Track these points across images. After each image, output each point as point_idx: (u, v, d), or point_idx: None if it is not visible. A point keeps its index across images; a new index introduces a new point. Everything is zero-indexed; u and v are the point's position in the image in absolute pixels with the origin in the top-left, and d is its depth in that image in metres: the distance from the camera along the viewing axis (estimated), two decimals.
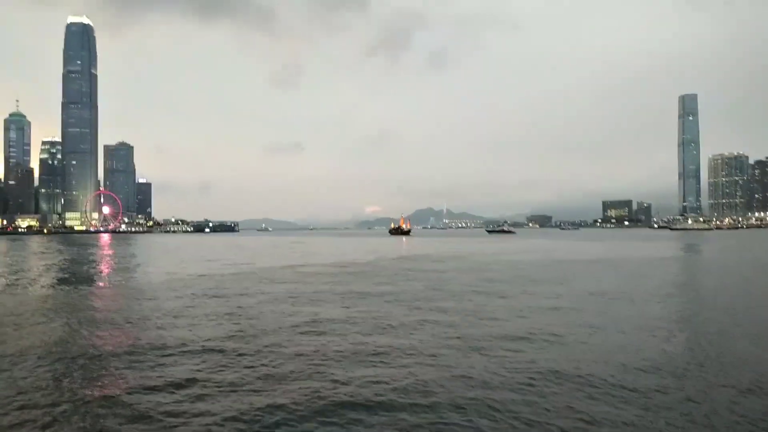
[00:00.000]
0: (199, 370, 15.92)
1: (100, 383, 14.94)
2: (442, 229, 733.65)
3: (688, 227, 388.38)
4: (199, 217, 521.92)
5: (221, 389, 14.18)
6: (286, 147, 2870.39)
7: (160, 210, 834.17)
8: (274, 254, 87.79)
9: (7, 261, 73.27)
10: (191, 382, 14.85)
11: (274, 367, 16.23)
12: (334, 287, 37.39)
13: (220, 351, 18.30)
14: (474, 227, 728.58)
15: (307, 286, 38.03)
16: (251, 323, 23.54)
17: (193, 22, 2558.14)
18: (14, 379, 15.22)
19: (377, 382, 14.61)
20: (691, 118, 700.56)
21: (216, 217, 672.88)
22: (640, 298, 30.61)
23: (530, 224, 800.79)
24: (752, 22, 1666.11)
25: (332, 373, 15.45)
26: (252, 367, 16.25)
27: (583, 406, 12.69)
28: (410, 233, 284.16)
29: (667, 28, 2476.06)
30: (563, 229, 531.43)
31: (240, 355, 17.74)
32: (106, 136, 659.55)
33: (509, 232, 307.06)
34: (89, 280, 45.57)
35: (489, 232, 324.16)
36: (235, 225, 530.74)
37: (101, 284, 42.65)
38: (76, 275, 50.70)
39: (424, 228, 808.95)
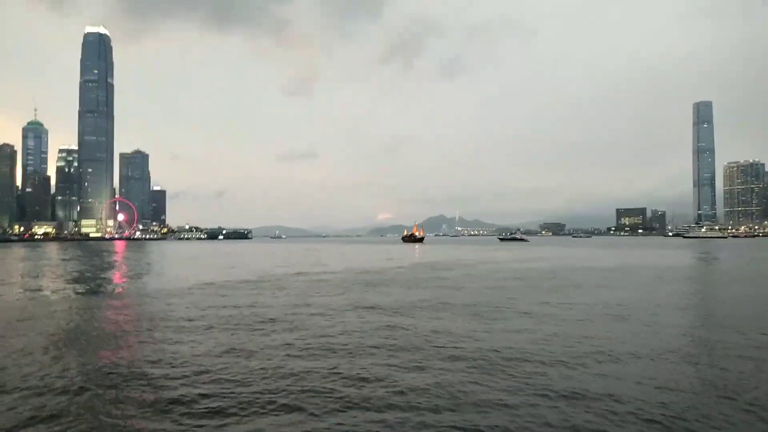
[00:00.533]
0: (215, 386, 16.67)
1: (106, 394, 15.76)
2: (454, 236, 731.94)
3: (701, 235, 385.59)
4: (212, 225, 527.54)
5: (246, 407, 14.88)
6: (299, 154, 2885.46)
7: (174, 217, 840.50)
8: (287, 262, 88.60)
9: (24, 267, 74.83)
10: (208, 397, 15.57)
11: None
12: (342, 299, 38.06)
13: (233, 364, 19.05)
14: (486, 235, 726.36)
15: (316, 298, 38.73)
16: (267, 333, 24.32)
17: (209, 32, 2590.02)
18: (18, 388, 16.01)
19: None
20: (705, 125, 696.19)
21: (229, 224, 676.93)
22: (637, 310, 31.06)
23: (543, 232, 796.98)
24: (765, 30, 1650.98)
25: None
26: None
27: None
28: (423, 240, 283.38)
29: (682, 36, 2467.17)
30: (575, 237, 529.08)
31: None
32: (122, 144, 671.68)
33: (522, 239, 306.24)
34: (103, 288, 46.66)
35: (501, 239, 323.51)
36: (248, 232, 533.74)
37: (114, 292, 43.68)
38: (90, 282, 51.84)
39: (436, 235, 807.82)
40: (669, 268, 67.77)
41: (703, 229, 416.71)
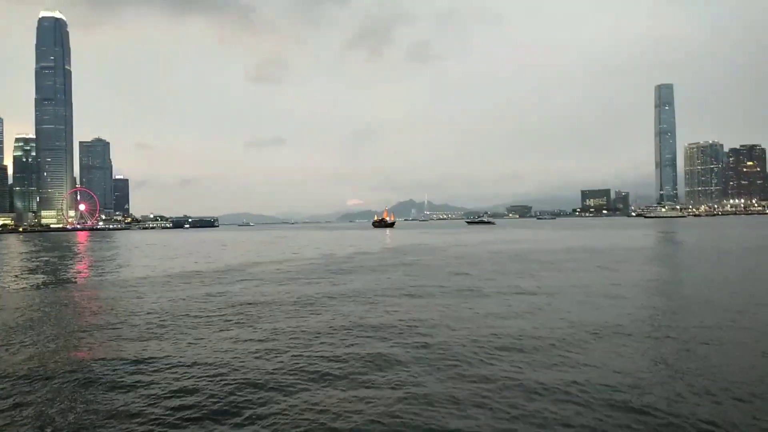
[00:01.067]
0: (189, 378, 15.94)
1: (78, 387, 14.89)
2: (423, 221, 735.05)
3: (661, 215, 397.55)
4: (178, 213, 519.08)
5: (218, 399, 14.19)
6: (267, 142, 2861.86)
7: (139, 206, 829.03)
8: (258, 250, 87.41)
9: None
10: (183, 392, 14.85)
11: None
12: (310, 287, 37.43)
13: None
14: (455, 218, 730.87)
15: (289, 286, 38.02)
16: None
17: (171, 18, 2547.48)
18: None
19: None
20: (667, 108, 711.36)
21: (196, 212, 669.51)
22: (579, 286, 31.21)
23: (510, 215, 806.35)
24: (726, 15, 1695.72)
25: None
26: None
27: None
28: (394, 225, 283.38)
29: (644, 21, 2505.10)
30: (539, 218, 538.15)
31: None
32: (83, 133, 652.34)
33: (489, 222, 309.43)
34: (65, 280, 45.05)
35: (468, 223, 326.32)
36: (214, 220, 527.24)
37: (77, 284, 42.18)
38: (52, 275, 50.06)
39: (405, 220, 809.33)
40: (620, 247, 68.83)
41: (663, 209, 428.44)
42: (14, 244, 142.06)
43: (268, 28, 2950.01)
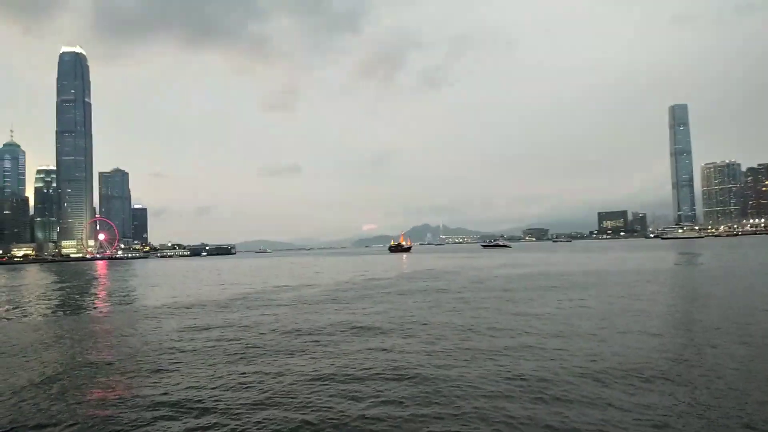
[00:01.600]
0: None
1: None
2: (439, 245, 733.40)
3: (678, 236, 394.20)
4: (196, 241, 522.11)
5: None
6: (283, 170, 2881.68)
7: (157, 235, 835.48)
8: (279, 275, 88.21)
9: (3, 291, 73.51)
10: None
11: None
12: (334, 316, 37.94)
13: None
14: (470, 242, 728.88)
15: (309, 314, 38.58)
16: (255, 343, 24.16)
17: (186, 50, 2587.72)
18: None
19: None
20: (682, 128, 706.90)
21: (213, 240, 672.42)
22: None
23: (527, 238, 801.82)
24: (739, 35, 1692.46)
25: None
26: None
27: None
28: (410, 250, 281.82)
29: (657, 42, 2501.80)
30: (555, 241, 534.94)
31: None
32: (102, 164, 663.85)
33: (504, 246, 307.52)
34: (85, 309, 46.03)
35: (484, 246, 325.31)
36: (232, 248, 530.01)
37: (97, 313, 43.11)
38: (72, 304, 51.12)
39: (421, 244, 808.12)
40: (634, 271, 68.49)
41: (680, 230, 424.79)
42: (34, 274, 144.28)
43: (281, 58, 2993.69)
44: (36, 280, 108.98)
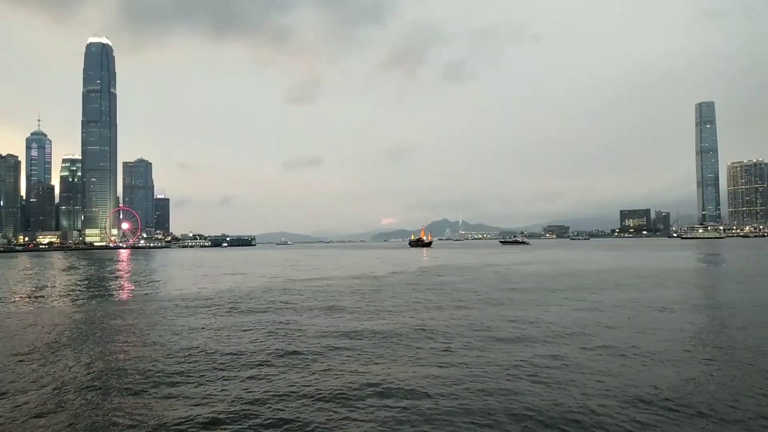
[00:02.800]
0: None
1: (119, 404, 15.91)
2: (458, 240, 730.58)
3: (698, 236, 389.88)
4: (217, 232, 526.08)
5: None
6: (304, 162, 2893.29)
7: (178, 225, 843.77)
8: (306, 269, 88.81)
9: (30, 276, 75.11)
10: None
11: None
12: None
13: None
14: (490, 238, 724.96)
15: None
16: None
17: (210, 41, 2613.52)
18: (25, 401, 16.21)
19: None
20: (708, 126, 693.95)
21: (234, 231, 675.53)
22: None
23: (547, 235, 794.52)
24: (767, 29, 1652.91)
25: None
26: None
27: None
28: (431, 245, 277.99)
29: (684, 38, 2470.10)
30: (573, 239, 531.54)
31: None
32: (126, 154, 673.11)
33: (523, 243, 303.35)
34: (110, 295, 46.89)
35: (502, 243, 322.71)
36: (252, 239, 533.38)
37: (122, 299, 43.90)
38: (98, 290, 52.10)
39: (440, 239, 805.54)
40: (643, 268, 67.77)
41: (700, 230, 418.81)
42: (59, 260, 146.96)
43: (304, 50, 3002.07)
44: (60, 266, 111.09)
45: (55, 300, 42.63)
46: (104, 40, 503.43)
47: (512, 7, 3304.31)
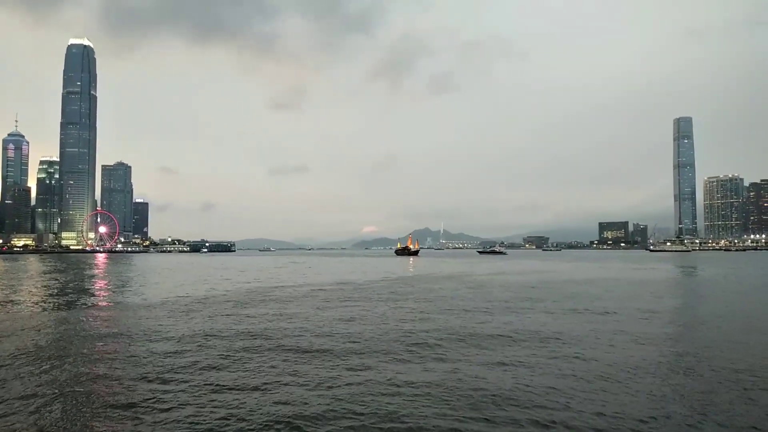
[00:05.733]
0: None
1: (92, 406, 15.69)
2: (438, 249, 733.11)
3: (666, 249, 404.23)
4: (198, 238, 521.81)
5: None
6: (289, 169, 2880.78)
7: (159, 230, 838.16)
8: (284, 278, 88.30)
9: (2, 280, 73.73)
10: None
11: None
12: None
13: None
14: (470, 248, 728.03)
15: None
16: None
17: (193, 46, 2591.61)
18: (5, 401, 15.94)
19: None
20: (686, 141, 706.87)
21: (215, 237, 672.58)
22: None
23: (527, 245, 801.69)
24: (748, 49, 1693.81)
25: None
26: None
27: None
28: (418, 254, 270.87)
29: (664, 54, 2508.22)
30: (545, 250, 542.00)
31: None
32: (106, 157, 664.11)
33: (500, 252, 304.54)
34: (82, 301, 46.21)
35: (480, 252, 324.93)
36: (231, 245, 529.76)
37: (94, 305, 43.28)
38: (70, 296, 51.32)
39: (420, 248, 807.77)
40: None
41: (668, 244, 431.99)
42: (34, 264, 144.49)
43: (290, 57, 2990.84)
44: (34, 270, 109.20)
45: (25, 306, 41.90)
46: (86, 42, 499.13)
47: (500, 24, 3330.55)
